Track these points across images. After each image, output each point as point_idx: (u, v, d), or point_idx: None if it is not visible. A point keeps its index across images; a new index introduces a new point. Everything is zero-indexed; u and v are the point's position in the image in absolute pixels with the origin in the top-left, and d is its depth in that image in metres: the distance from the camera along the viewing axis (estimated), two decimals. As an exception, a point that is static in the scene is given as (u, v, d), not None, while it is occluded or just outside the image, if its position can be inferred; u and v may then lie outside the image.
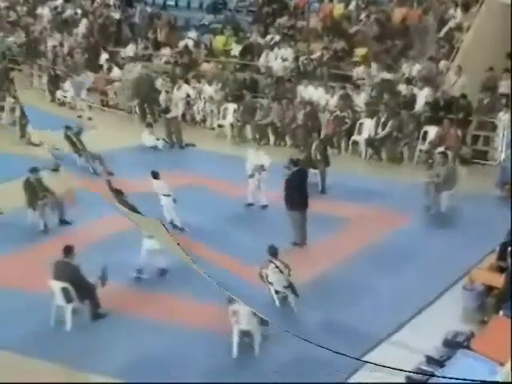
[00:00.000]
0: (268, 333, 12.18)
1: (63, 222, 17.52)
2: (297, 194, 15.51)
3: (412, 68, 22.57)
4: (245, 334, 12.19)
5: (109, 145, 21.35)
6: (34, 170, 17.72)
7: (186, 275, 14.83)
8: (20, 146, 22.42)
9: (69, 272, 13.11)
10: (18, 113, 25.26)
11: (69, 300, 13.07)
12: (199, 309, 13.54)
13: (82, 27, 29.49)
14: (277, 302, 13.13)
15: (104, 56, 27.22)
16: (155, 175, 16.40)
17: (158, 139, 21.74)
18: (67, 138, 20.32)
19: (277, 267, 12.96)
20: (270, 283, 13.11)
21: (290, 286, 13.06)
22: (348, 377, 11.42)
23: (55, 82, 26.88)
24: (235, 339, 12.09)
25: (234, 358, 12.07)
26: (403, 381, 10.48)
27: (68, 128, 20.49)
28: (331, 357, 11.66)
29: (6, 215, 17.77)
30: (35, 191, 17.42)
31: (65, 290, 13.04)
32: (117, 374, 11.74)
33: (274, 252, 13.18)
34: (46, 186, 17.64)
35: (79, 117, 24.73)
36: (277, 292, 13.17)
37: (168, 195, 16.30)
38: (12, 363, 12.07)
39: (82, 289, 13.15)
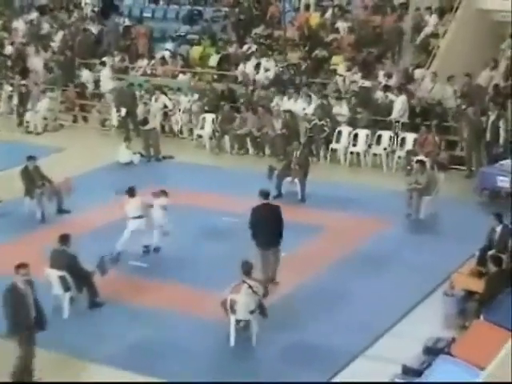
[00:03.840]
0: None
1: (61, 210, 17.39)
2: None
3: (388, 76, 22.60)
4: (242, 324, 12.24)
5: (79, 168, 20.02)
6: (32, 159, 17.57)
7: (183, 264, 14.93)
8: (17, 134, 22.02)
9: (66, 260, 13.11)
10: (15, 101, 25.07)
11: (66, 288, 13.10)
12: (196, 297, 13.60)
13: (58, 41, 29.24)
14: (232, 342, 12.11)
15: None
16: (131, 192, 15.16)
17: (134, 153, 21.32)
18: (24, 173, 17.47)
19: (250, 287, 12.03)
20: (233, 312, 12.11)
21: (260, 307, 12.21)
22: (345, 365, 11.50)
23: (25, 103, 24.73)
24: (232, 328, 12.08)
25: (232, 346, 12.10)
26: (400, 370, 10.56)
27: (31, 158, 17.67)
28: (328, 345, 11.91)
29: (4, 204, 17.64)
30: (33, 180, 17.30)
31: (62, 279, 13.04)
32: (113, 362, 11.78)
33: (247, 270, 12.22)
34: (43, 175, 17.47)
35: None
36: (238, 322, 12.21)
37: (139, 217, 15.00)
38: (8, 351, 11.85)
39: (79, 277, 13.15)
